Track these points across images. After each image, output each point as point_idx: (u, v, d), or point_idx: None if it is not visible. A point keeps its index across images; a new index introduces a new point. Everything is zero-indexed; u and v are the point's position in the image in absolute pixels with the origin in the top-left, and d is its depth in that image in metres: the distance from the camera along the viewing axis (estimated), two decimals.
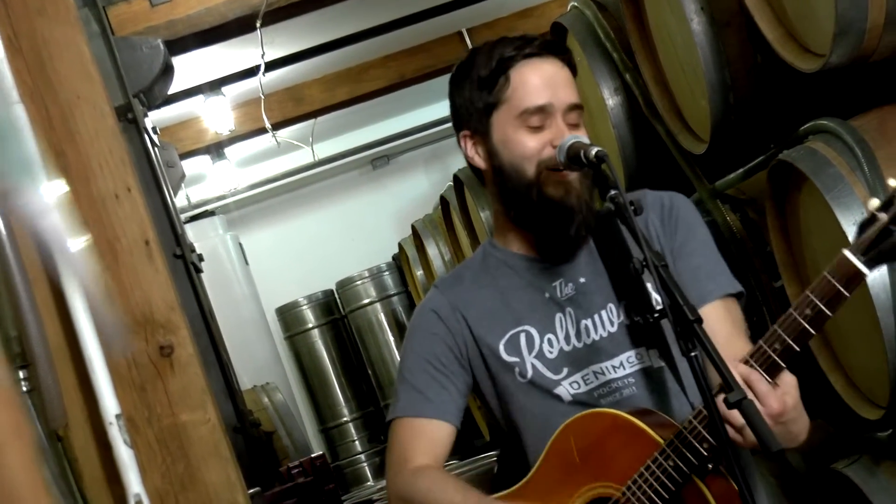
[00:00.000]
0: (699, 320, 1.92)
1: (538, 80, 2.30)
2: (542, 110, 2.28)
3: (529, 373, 2.32)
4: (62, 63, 3.13)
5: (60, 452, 2.91)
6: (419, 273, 9.06)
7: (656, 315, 2.03)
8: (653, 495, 2.10)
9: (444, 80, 2.50)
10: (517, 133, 2.30)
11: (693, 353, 1.92)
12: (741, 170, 3.43)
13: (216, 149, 9.19)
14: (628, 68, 3.81)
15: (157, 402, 3.08)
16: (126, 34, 4.69)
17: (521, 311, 2.36)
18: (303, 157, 10.21)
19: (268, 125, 7.76)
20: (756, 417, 1.83)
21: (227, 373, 4.22)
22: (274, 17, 5.42)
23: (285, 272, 10.80)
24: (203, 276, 4.45)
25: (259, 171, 10.51)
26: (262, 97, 7.28)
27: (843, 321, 2.93)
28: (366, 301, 10.54)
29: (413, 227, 8.92)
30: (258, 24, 5.29)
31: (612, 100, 3.86)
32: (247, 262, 10.10)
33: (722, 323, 2.22)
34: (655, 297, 2.25)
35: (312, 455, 6.57)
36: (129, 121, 3.86)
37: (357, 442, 10.57)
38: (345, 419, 10.60)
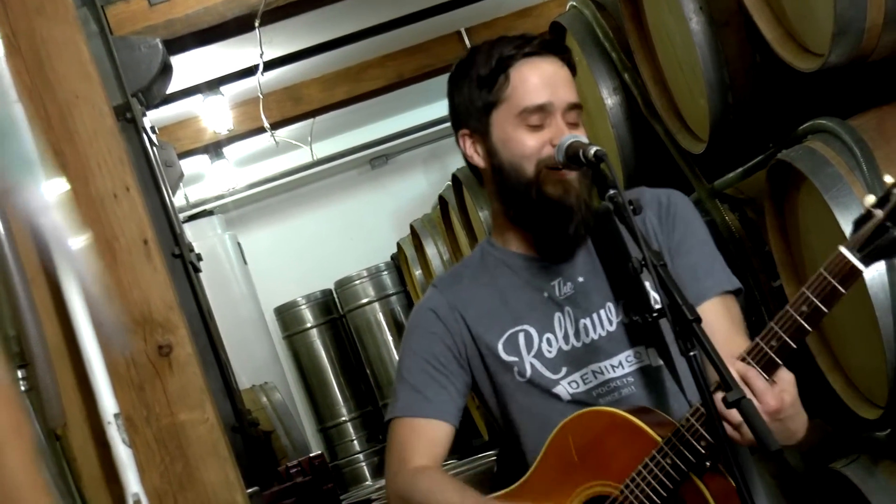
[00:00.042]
0: (698, 320, 1.92)
1: (538, 79, 2.30)
2: (542, 109, 2.28)
3: (528, 372, 2.32)
4: (61, 62, 3.13)
5: (59, 452, 2.91)
6: (418, 273, 9.06)
7: (655, 315, 2.03)
8: (651, 493, 2.10)
9: (443, 79, 2.50)
10: (516, 132, 2.30)
11: (692, 353, 1.92)
12: (740, 169, 3.43)
13: (215, 148, 9.18)
14: (627, 68, 3.81)
15: (155, 402, 3.08)
16: (124, 34, 4.69)
17: (519, 310, 2.36)
18: (301, 156, 10.21)
19: (266, 125, 7.76)
20: (755, 417, 1.83)
21: (225, 372, 4.22)
22: (272, 16, 5.41)
23: (284, 272, 10.80)
24: (201, 275, 4.45)
25: (257, 171, 10.51)
26: (261, 97, 7.27)
27: (841, 321, 2.93)
28: (364, 301, 10.54)
29: (412, 227, 8.92)
30: (257, 24, 5.29)
31: (610, 99, 3.86)
32: (245, 262, 10.10)
33: (721, 320, 2.22)
34: (654, 296, 2.25)
35: (311, 454, 6.57)
36: (128, 120, 3.85)
37: (355, 441, 10.57)
38: (343, 419, 10.60)
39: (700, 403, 1.99)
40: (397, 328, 10.36)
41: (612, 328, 2.31)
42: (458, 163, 7.20)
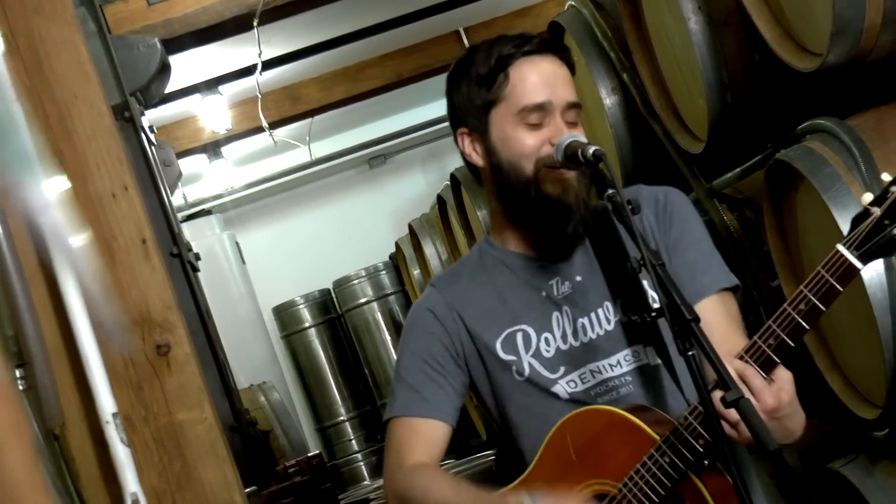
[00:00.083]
0: (696, 319, 1.92)
1: (537, 78, 2.29)
2: (541, 108, 2.28)
3: (526, 371, 2.32)
4: (59, 62, 3.13)
5: (57, 451, 2.91)
6: (416, 272, 9.06)
7: (653, 314, 2.04)
8: (649, 492, 2.10)
9: (442, 79, 2.50)
10: (516, 130, 2.30)
11: (690, 353, 1.92)
12: (738, 169, 3.44)
13: (213, 148, 9.18)
14: (625, 68, 3.81)
15: (153, 401, 3.08)
16: (123, 33, 4.69)
17: (517, 309, 2.36)
18: (299, 156, 10.21)
19: (265, 124, 7.76)
20: (753, 416, 1.84)
21: (223, 372, 4.22)
22: (271, 15, 5.42)
23: (282, 271, 10.80)
24: (200, 275, 4.45)
25: (256, 170, 10.51)
26: (259, 96, 7.28)
27: (839, 320, 2.93)
28: (362, 300, 10.54)
29: (410, 227, 8.92)
30: (255, 23, 5.29)
31: (609, 99, 3.86)
32: (243, 261, 10.10)
33: (719, 318, 2.22)
34: (652, 295, 2.25)
35: (309, 454, 6.58)
36: (126, 120, 3.85)
37: (354, 441, 10.58)
38: (341, 418, 10.61)
39: (698, 402, 1.99)
40: (396, 328, 10.36)
41: (610, 327, 2.31)
42: (456, 162, 7.20)
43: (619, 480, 2.14)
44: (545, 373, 2.31)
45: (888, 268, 2.64)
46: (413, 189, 10.99)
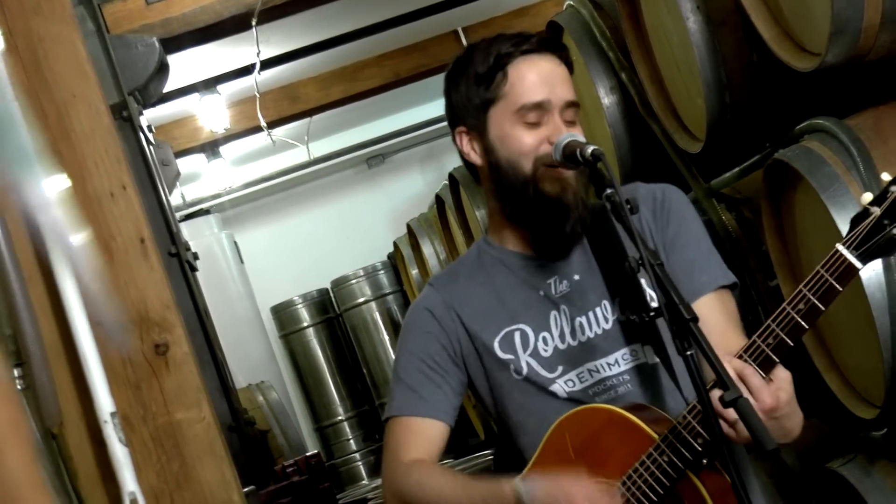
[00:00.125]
0: (695, 319, 1.92)
1: (536, 77, 2.29)
2: (540, 107, 2.28)
3: (524, 370, 2.32)
4: (57, 61, 3.13)
5: (55, 450, 2.91)
6: (414, 272, 9.06)
7: (652, 314, 2.04)
8: (647, 491, 2.10)
9: (440, 79, 2.50)
10: (514, 129, 2.30)
11: (689, 353, 1.92)
12: (737, 169, 3.44)
13: (211, 147, 9.18)
14: (624, 67, 3.81)
15: (152, 401, 3.08)
16: (121, 32, 4.69)
17: (515, 308, 2.36)
18: (298, 155, 10.20)
19: (263, 124, 7.76)
20: (751, 415, 1.84)
21: (221, 371, 4.22)
22: (269, 15, 5.42)
23: (280, 271, 10.80)
24: (198, 274, 4.45)
25: (254, 170, 10.50)
26: (258, 95, 7.27)
27: (838, 320, 2.93)
28: (361, 300, 10.54)
29: (408, 226, 8.92)
30: (253, 23, 5.29)
31: (607, 99, 3.86)
32: (242, 261, 10.10)
33: (716, 315, 2.22)
34: (650, 294, 2.25)
35: (307, 454, 6.58)
36: (125, 119, 3.85)
37: (352, 441, 10.58)
38: (339, 418, 10.60)
39: (697, 401, 1.99)
40: (394, 327, 10.36)
41: (608, 326, 2.31)
42: (454, 162, 7.20)
43: (617, 479, 2.14)
44: (543, 372, 2.32)
45: (887, 268, 2.64)
46: (411, 189, 10.99)
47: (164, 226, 3.95)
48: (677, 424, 2.07)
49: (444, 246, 7.88)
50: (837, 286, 1.94)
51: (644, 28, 3.62)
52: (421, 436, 2.38)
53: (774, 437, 1.86)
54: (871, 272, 2.64)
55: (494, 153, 2.33)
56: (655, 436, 2.10)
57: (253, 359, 9.45)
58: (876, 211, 1.92)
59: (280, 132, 8.94)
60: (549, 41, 2.38)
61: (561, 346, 2.32)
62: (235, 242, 10.13)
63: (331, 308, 10.82)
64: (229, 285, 9.70)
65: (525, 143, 2.28)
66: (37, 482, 1.23)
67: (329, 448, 10.57)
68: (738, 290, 2.34)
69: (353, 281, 10.56)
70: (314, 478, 5.88)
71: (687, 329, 1.92)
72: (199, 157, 9.39)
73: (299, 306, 10.67)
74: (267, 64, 6.93)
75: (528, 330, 2.34)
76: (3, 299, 2.67)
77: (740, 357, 1.99)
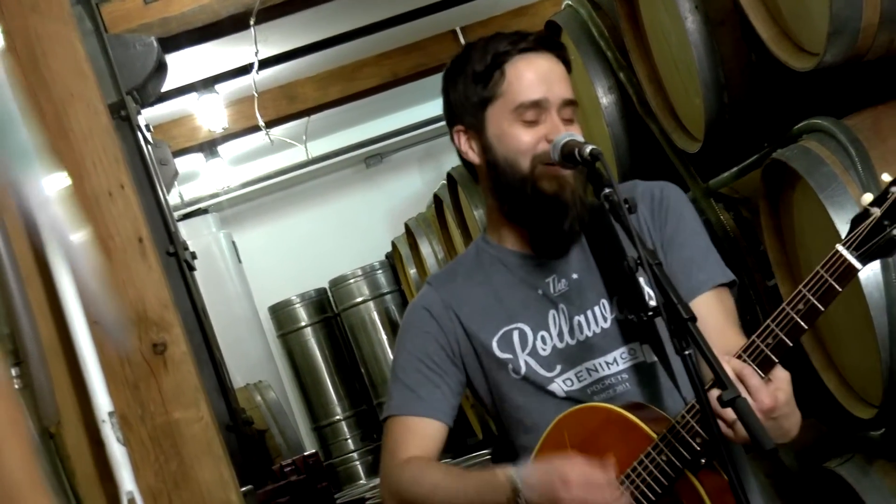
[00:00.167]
0: (693, 319, 1.92)
1: (533, 75, 2.29)
2: (537, 105, 2.28)
3: (523, 370, 2.32)
4: (55, 60, 3.13)
5: (53, 450, 2.91)
6: (412, 271, 9.05)
7: (650, 314, 2.04)
8: (646, 490, 2.10)
9: (438, 78, 2.50)
10: (512, 127, 2.30)
11: (687, 352, 1.92)
12: (735, 168, 3.43)
13: (209, 146, 9.18)
14: (622, 67, 3.80)
15: (150, 400, 3.08)
16: (119, 31, 4.69)
17: (514, 308, 2.36)
18: (296, 155, 10.20)
19: (261, 123, 7.75)
20: (749, 415, 1.84)
21: (219, 371, 4.22)
22: (267, 14, 5.42)
23: (278, 270, 10.80)
24: (196, 273, 4.45)
25: (252, 169, 10.50)
26: (256, 95, 7.27)
27: (836, 320, 2.93)
28: (359, 299, 10.54)
29: (406, 226, 8.91)
30: (252, 22, 5.29)
31: (605, 98, 3.86)
32: (240, 260, 10.10)
33: (714, 314, 2.22)
34: (648, 292, 2.25)
35: (305, 453, 6.59)
36: (123, 118, 3.85)
37: (350, 440, 10.57)
38: (337, 417, 10.60)
39: (696, 400, 1.99)
40: (392, 327, 10.36)
41: (607, 325, 2.31)
42: (452, 161, 7.18)
43: (616, 478, 2.13)
44: (541, 371, 2.32)
45: (885, 268, 2.64)
46: (409, 188, 10.98)
47: (163, 225, 3.95)
48: (676, 424, 2.07)
49: (443, 246, 7.87)
50: (837, 287, 1.94)
51: (642, 28, 3.62)
52: (419, 435, 2.38)
53: (773, 438, 1.86)
54: (870, 272, 2.64)
55: (492, 151, 2.33)
56: (654, 435, 2.10)
57: (251, 358, 9.45)
58: (876, 212, 1.93)
59: (278, 132, 8.94)
60: (547, 39, 2.38)
61: (559, 345, 2.32)
62: (233, 242, 10.13)
63: (329, 308, 10.81)
64: (227, 285, 9.70)
65: (523, 141, 2.28)
66: (36, 482, 1.22)
67: (327, 447, 10.57)
68: (737, 289, 2.34)
69: (351, 280, 10.56)
70: (312, 477, 5.89)
71: (685, 329, 1.92)
72: (198, 157, 9.39)
73: (297, 306, 10.66)
74: (265, 63, 6.93)
75: (527, 329, 2.34)
76: (1, 298, 2.67)
77: (739, 357, 1.99)
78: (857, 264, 1.94)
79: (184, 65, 6.56)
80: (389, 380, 2.49)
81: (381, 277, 10.57)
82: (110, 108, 3.36)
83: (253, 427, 6.39)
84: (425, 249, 8.36)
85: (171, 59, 4.61)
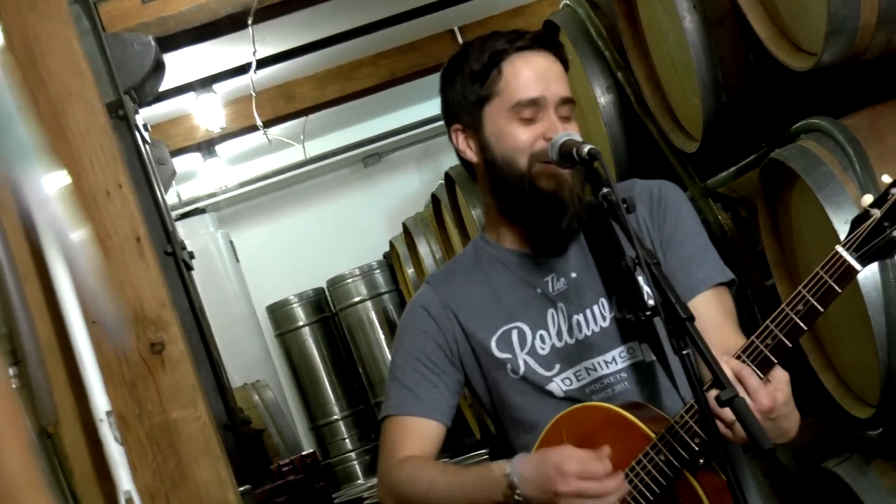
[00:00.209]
0: (691, 318, 1.92)
1: (530, 73, 2.30)
2: (535, 103, 2.28)
3: (521, 369, 2.32)
4: (53, 59, 3.12)
5: (50, 449, 2.90)
6: (410, 271, 9.05)
7: (648, 313, 2.04)
8: (644, 490, 2.10)
9: (436, 78, 2.50)
10: (509, 126, 2.30)
11: (685, 352, 1.92)
12: (733, 168, 3.44)
13: (207, 146, 9.18)
14: (620, 66, 3.80)
15: (147, 399, 3.08)
16: (117, 31, 4.69)
17: (512, 307, 2.36)
18: (294, 154, 10.20)
19: (259, 123, 7.75)
20: (747, 415, 1.83)
21: (217, 370, 4.21)
22: (265, 14, 5.42)
23: (276, 270, 10.80)
24: (194, 273, 4.44)
25: (250, 169, 10.50)
26: (254, 94, 7.27)
27: (834, 320, 2.93)
28: (356, 299, 10.54)
29: (404, 226, 8.91)
30: (250, 22, 5.30)
31: (603, 98, 3.86)
32: (237, 260, 10.10)
33: (713, 313, 2.22)
34: (647, 291, 2.25)
35: (303, 453, 6.59)
36: (120, 117, 3.84)
37: (347, 440, 10.58)
38: (335, 417, 10.60)
39: (693, 401, 1.99)
40: (389, 327, 10.36)
41: (606, 324, 2.31)
42: (450, 161, 7.19)
43: (612, 469, 2.13)
44: (540, 370, 2.32)
45: (882, 268, 2.64)
46: (407, 188, 10.98)
47: (160, 224, 3.95)
48: (674, 424, 2.07)
49: (440, 245, 7.87)
50: (836, 288, 1.94)
51: (640, 27, 3.62)
52: (416, 435, 2.38)
53: (772, 438, 1.86)
54: (868, 272, 2.63)
55: (490, 150, 2.33)
56: (652, 435, 2.10)
57: (248, 358, 9.45)
58: (876, 213, 1.93)
59: (276, 131, 8.94)
60: (544, 38, 2.38)
61: (558, 344, 2.32)
62: (231, 241, 10.13)
63: (326, 307, 10.82)
64: (225, 284, 9.70)
65: (520, 139, 2.28)
66: (35, 481, 1.22)
67: (324, 447, 10.57)
68: (736, 286, 2.34)
69: (349, 280, 10.56)
70: (310, 477, 5.89)
71: (683, 328, 1.92)
72: (195, 156, 9.39)
73: (295, 305, 10.67)
74: (263, 63, 6.93)
75: (526, 328, 2.34)
76: None
77: (738, 358, 1.99)
78: (857, 266, 1.94)
79: (182, 64, 6.56)
80: (387, 379, 2.49)
81: (379, 277, 10.58)
82: (108, 108, 3.36)
83: (251, 426, 6.39)
84: (423, 249, 8.36)
85: (168, 58, 4.60)
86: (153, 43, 4.19)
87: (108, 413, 2.85)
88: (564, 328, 2.32)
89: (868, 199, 1.95)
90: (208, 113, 7.87)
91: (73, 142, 3.09)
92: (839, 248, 1.94)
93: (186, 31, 5.16)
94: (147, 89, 4.25)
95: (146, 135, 4.25)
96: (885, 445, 2.98)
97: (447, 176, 6.77)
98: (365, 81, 8.65)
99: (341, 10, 6.85)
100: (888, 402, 2.77)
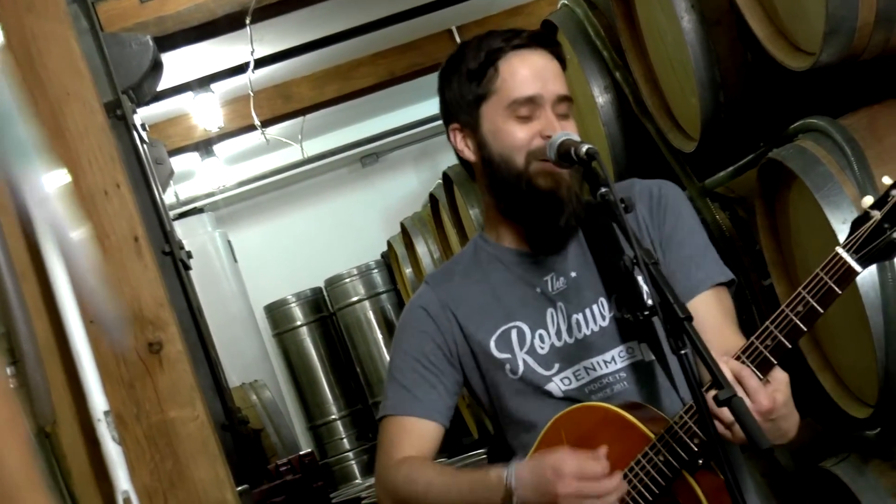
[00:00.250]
0: (689, 318, 1.92)
1: (527, 71, 2.30)
2: (531, 101, 2.28)
3: (521, 369, 2.32)
4: (51, 59, 3.12)
5: (48, 449, 2.90)
6: (408, 271, 9.05)
7: (646, 313, 2.04)
8: (643, 490, 2.10)
9: (434, 78, 2.50)
10: (506, 124, 2.30)
11: (683, 352, 1.92)
12: (731, 168, 3.44)
13: (205, 146, 9.17)
14: (618, 66, 3.81)
15: (145, 399, 3.07)
16: (115, 30, 4.69)
17: (512, 306, 2.36)
18: (292, 154, 10.20)
19: (257, 122, 7.75)
20: (745, 415, 1.84)
21: (215, 370, 4.21)
22: (263, 14, 5.42)
23: (274, 269, 10.80)
24: (192, 273, 4.44)
25: (248, 169, 10.50)
26: (251, 94, 7.27)
27: (832, 320, 2.93)
28: (354, 299, 10.54)
29: (402, 225, 8.91)
30: (248, 21, 5.29)
31: (601, 98, 3.86)
32: (235, 260, 10.09)
33: (712, 313, 2.22)
34: (646, 290, 2.25)
35: (301, 453, 6.58)
36: (118, 117, 3.84)
37: (345, 440, 10.57)
38: (333, 417, 10.60)
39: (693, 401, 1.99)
40: (387, 326, 10.36)
41: (605, 323, 2.31)
42: (448, 161, 7.19)
43: (609, 469, 2.13)
44: (539, 370, 2.31)
45: (881, 268, 2.64)
46: (405, 187, 10.98)
47: (158, 224, 3.94)
48: (674, 424, 2.07)
49: (438, 245, 7.87)
50: (836, 289, 1.94)
51: (638, 27, 3.62)
52: (414, 435, 2.38)
53: (771, 439, 1.86)
54: (866, 272, 2.62)
55: (487, 148, 2.33)
56: (651, 435, 2.10)
57: (246, 357, 9.45)
58: (876, 215, 1.93)
59: (274, 131, 8.93)
60: (541, 36, 2.38)
61: (557, 344, 2.32)
62: (229, 241, 10.13)
63: (324, 307, 10.81)
64: (223, 284, 9.70)
65: (517, 137, 2.28)
66: (34, 481, 1.22)
67: (322, 447, 10.57)
68: (735, 286, 2.34)
69: (347, 280, 10.56)
70: (307, 476, 5.88)
71: (681, 328, 1.92)
72: (193, 156, 9.38)
73: (293, 305, 10.66)
74: (261, 62, 6.92)
75: (525, 328, 2.34)
76: None
77: (738, 358, 1.99)
78: (857, 267, 1.94)
79: (179, 64, 6.56)
80: (386, 379, 2.49)
81: (377, 277, 10.58)
82: (106, 107, 3.35)
83: (248, 426, 6.39)
84: (421, 249, 8.35)
85: (166, 58, 4.60)
86: (151, 43, 4.18)
87: (105, 413, 2.84)
88: (564, 327, 2.32)
89: (868, 200, 1.95)
90: (206, 113, 7.86)
91: (71, 141, 3.09)
92: (839, 250, 1.94)
93: (184, 31, 5.15)
94: (145, 89, 4.24)
95: (144, 134, 4.25)
96: (882, 445, 2.98)
97: (445, 176, 6.77)
98: (363, 81, 8.65)
99: (339, 10, 6.85)
100: (886, 402, 2.77)
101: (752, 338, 1.99)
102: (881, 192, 1.97)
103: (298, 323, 10.65)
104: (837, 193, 2.67)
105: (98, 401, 2.85)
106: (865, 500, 2.94)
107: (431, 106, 9.96)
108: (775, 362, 1.98)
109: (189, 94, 7.62)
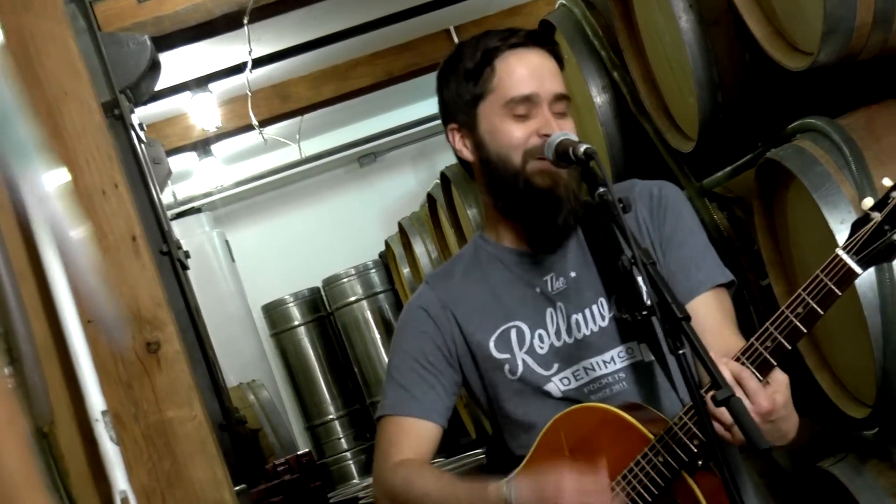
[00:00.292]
0: (687, 318, 1.92)
1: (524, 70, 2.30)
2: (528, 100, 2.28)
3: (520, 369, 2.32)
4: (49, 58, 3.12)
5: (46, 449, 2.89)
6: (406, 271, 9.05)
7: (644, 313, 2.04)
8: (643, 491, 2.10)
9: (432, 77, 2.51)
10: (503, 123, 2.30)
11: (681, 352, 1.92)
12: (729, 168, 3.44)
13: (203, 145, 9.17)
14: (616, 66, 3.80)
15: (143, 399, 3.07)
16: (113, 30, 4.68)
17: (511, 306, 2.36)
18: (289, 154, 10.20)
19: (254, 122, 7.76)
20: (744, 415, 1.84)
21: (213, 370, 4.21)
22: (261, 13, 5.42)
23: (271, 269, 10.80)
24: (189, 272, 4.44)
25: (246, 169, 10.50)
26: (249, 94, 7.27)
27: (830, 320, 2.93)
28: (352, 299, 10.54)
29: (400, 225, 8.91)
30: (245, 21, 5.29)
31: (599, 98, 3.86)
32: (233, 259, 10.09)
33: (712, 314, 2.22)
34: (645, 290, 2.24)
35: (298, 452, 6.58)
36: (116, 117, 3.84)
37: (343, 439, 10.57)
38: (331, 417, 10.60)
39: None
40: (385, 326, 10.36)
41: (605, 323, 2.31)
42: (446, 161, 7.19)
43: (612, 479, 2.13)
44: (538, 370, 2.31)
45: (879, 268, 2.64)
46: (403, 187, 10.98)
47: (156, 224, 3.94)
48: (673, 425, 2.06)
49: (436, 245, 7.87)
50: (836, 291, 1.94)
51: (636, 27, 3.62)
52: (412, 435, 2.38)
53: (770, 440, 1.86)
54: (863, 272, 2.63)
55: (485, 147, 2.33)
56: (651, 436, 2.10)
57: (244, 357, 9.45)
58: (877, 216, 1.93)
59: (271, 131, 8.94)
60: (538, 35, 2.38)
61: (557, 344, 2.32)
62: (227, 241, 10.13)
63: (322, 307, 10.81)
64: (220, 284, 9.70)
65: (514, 136, 2.28)
66: (33, 481, 1.22)
67: (320, 447, 10.57)
68: (735, 287, 2.34)
69: (345, 280, 10.56)
70: (305, 476, 5.88)
71: (679, 328, 1.92)
72: (191, 156, 9.38)
73: (290, 305, 10.66)
74: (258, 62, 6.93)
75: (524, 327, 2.34)
76: None
77: (737, 360, 1.99)
78: (858, 269, 1.94)
79: (177, 63, 6.56)
80: (384, 379, 2.48)
81: (375, 277, 10.58)
82: (104, 107, 3.35)
83: (246, 426, 6.39)
84: (419, 249, 8.36)
85: (164, 57, 4.60)
86: (149, 42, 4.18)
87: (103, 413, 2.84)
88: (563, 327, 2.32)
89: (868, 202, 1.95)
90: (204, 112, 7.86)
91: (68, 141, 3.09)
92: (839, 251, 1.94)
93: (182, 31, 5.15)
94: (143, 89, 4.24)
95: (142, 134, 4.24)
96: (880, 445, 2.98)
97: (443, 175, 6.77)
98: (361, 81, 8.65)
99: (337, 10, 6.85)
100: (884, 402, 2.77)
101: (752, 339, 1.99)
102: (879, 192, 1.97)
103: (296, 323, 10.65)
104: (835, 193, 2.67)
105: (96, 401, 2.84)
106: (863, 500, 2.94)
107: (429, 106, 9.96)
108: (775, 364, 1.98)
109: (187, 94, 7.63)
